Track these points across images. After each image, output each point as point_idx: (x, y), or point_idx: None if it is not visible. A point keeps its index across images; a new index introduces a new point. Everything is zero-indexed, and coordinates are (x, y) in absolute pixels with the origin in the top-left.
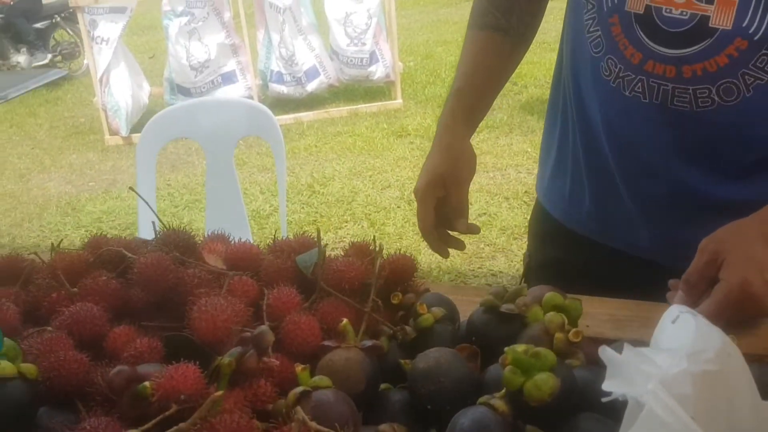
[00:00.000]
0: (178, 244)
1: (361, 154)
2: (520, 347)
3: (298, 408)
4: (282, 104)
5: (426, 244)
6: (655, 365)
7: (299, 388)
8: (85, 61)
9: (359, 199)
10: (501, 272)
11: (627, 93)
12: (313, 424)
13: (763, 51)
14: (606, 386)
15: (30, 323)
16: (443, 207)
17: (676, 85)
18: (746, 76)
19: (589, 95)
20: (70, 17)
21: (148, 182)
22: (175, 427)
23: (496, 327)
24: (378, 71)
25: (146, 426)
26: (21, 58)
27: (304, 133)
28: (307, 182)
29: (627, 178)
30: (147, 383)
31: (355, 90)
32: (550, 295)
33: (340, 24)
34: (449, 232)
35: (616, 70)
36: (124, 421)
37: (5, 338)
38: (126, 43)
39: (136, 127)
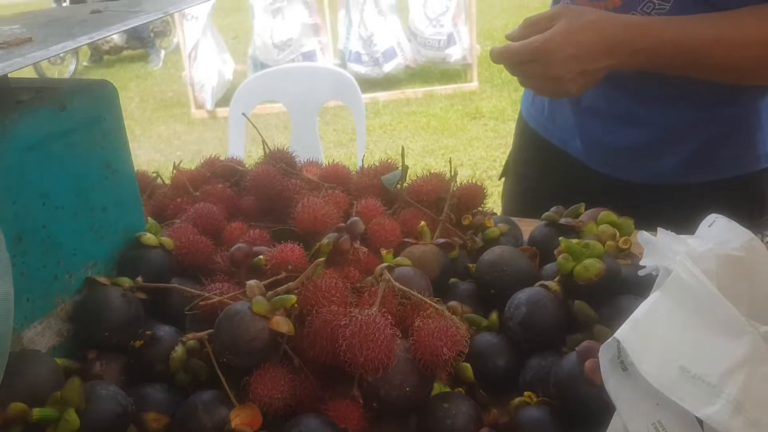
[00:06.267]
0: (282, 160)
1: (434, 134)
2: (573, 240)
3: (386, 271)
4: (359, 84)
5: None
6: (685, 244)
7: (384, 264)
8: (175, 39)
9: None
10: None
11: None
12: (398, 284)
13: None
14: (643, 262)
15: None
16: None
17: None
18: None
19: None
20: None
21: (239, 142)
22: (285, 285)
23: (554, 237)
24: (455, 53)
25: (264, 282)
26: (116, 37)
27: (379, 112)
28: (380, 158)
29: None
30: (261, 256)
31: (431, 72)
32: (605, 213)
33: (419, 5)
34: None
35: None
36: (241, 288)
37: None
38: (212, 23)
39: (220, 102)
